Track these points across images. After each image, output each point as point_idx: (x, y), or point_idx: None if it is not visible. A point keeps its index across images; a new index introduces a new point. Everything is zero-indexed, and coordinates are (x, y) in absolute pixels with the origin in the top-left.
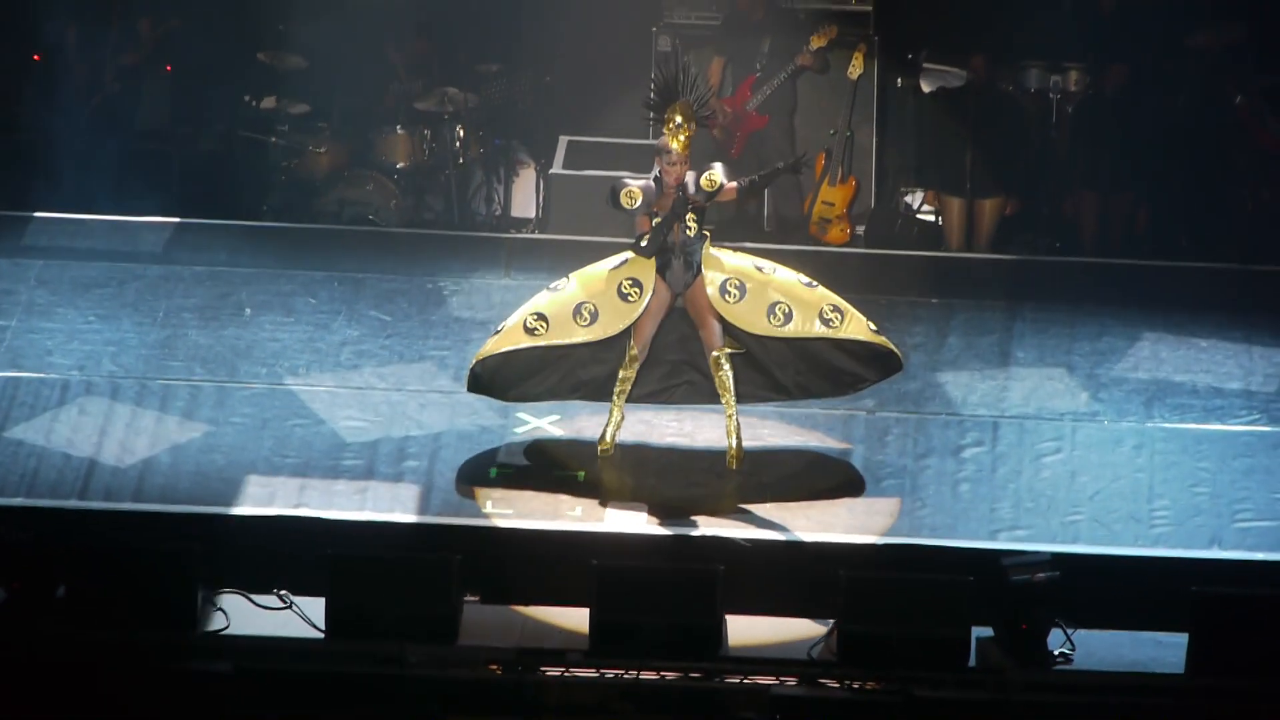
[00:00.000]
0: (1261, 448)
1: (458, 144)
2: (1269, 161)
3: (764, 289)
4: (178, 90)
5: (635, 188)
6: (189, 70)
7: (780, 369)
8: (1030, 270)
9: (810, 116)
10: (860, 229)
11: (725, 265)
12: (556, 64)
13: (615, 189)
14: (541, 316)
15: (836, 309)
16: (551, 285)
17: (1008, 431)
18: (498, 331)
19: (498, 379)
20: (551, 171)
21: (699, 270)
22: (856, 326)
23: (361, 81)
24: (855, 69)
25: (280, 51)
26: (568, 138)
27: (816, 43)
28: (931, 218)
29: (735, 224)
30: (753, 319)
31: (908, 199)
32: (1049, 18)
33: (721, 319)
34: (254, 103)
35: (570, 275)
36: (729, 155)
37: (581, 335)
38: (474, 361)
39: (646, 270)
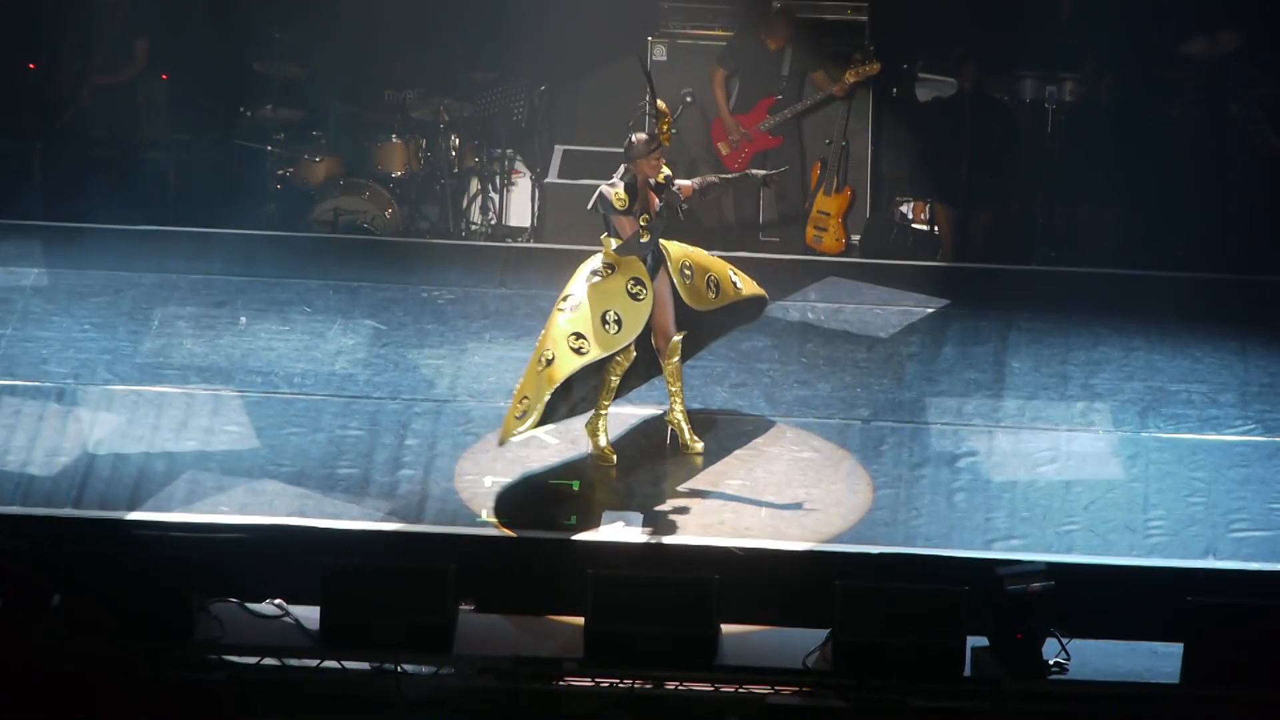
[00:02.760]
0: (1257, 458)
1: (453, 153)
2: (1265, 171)
3: (700, 266)
4: (174, 98)
5: (623, 190)
6: (185, 78)
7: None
8: (1025, 280)
9: (807, 126)
10: (855, 238)
11: (673, 251)
12: (552, 73)
13: (605, 194)
14: (580, 335)
15: (735, 271)
16: (560, 307)
17: (1003, 441)
18: (549, 363)
19: (566, 400)
20: (546, 180)
21: (661, 261)
22: (750, 284)
23: (357, 90)
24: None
25: (276, 60)
26: (563, 147)
27: (852, 78)
28: (926, 227)
29: (728, 230)
30: (700, 296)
31: (903, 208)
32: (1044, 27)
33: (680, 303)
34: (249, 112)
35: (569, 293)
36: (732, 169)
37: (617, 343)
38: (541, 402)
39: (640, 268)
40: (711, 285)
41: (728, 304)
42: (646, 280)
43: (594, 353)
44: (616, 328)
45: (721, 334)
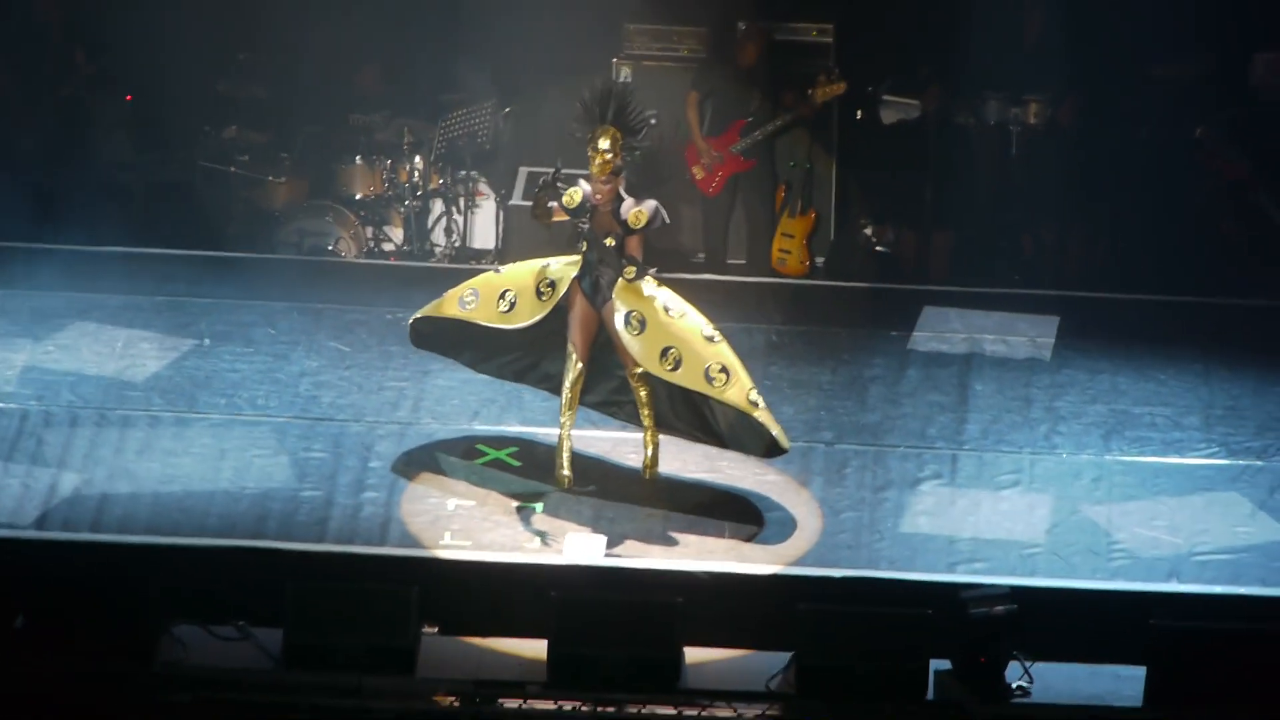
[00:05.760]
0: (1220, 481)
1: (417, 175)
2: (1229, 194)
3: (663, 330)
4: (138, 120)
5: (579, 191)
6: (149, 100)
7: (712, 414)
8: (989, 302)
9: (775, 149)
10: (820, 260)
11: (638, 296)
12: (517, 95)
13: (557, 183)
14: (475, 293)
15: (724, 369)
16: (498, 268)
17: (966, 464)
18: (441, 297)
19: (449, 341)
20: (511, 202)
21: (609, 293)
22: (735, 394)
23: (322, 112)
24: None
25: (241, 82)
26: (527, 169)
27: (821, 96)
28: (890, 249)
29: (694, 253)
30: (646, 356)
31: (867, 231)
32: (1008, 50)
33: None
34: (214, 132)
35: (514, 263)
36: (707, 193)
37: (497, 321)
38: (413, 318)
39: (565, 276)
40: (669, 356)
41: (704, 403)
42: (560, 288)
43: (473, 315)
44: (508, 308)
45: (698, 436)
